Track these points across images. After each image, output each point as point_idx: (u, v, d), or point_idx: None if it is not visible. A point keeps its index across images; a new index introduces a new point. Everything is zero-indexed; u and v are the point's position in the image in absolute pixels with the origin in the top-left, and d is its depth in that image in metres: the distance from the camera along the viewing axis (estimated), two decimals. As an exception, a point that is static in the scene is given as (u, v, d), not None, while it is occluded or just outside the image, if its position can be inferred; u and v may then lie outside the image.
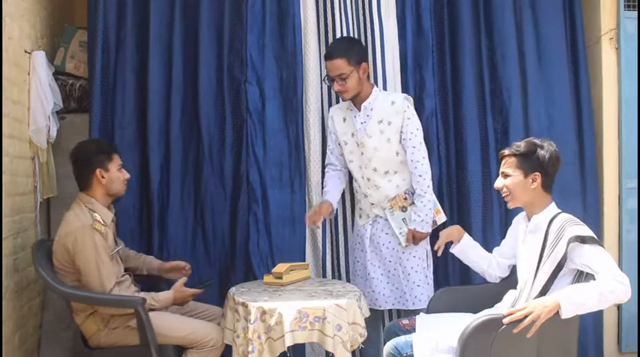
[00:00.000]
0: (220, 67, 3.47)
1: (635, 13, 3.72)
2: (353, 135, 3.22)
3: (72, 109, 3.70)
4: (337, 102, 3.50)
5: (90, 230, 2.70)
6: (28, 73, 3.25)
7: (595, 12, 3.77)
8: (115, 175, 2.86)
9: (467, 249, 2.88)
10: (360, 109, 3.18)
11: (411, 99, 3.27)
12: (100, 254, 2.71)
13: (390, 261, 3.23)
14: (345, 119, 3.26)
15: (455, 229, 2.92)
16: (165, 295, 2.83)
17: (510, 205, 2.62)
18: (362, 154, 3.20)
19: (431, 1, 3.56)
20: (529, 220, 2.60)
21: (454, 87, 3.58)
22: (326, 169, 3.39)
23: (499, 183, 2.63)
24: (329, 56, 3.11)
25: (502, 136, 3.58)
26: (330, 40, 3.50)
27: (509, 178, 2.57)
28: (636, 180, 3.72)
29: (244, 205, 3.43)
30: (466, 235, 2.89)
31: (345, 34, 3.49)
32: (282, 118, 3.50)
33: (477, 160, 3.53)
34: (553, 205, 2.56)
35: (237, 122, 3.46)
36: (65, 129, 3.62)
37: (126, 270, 2.96)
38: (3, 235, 2.86)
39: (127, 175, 2.94)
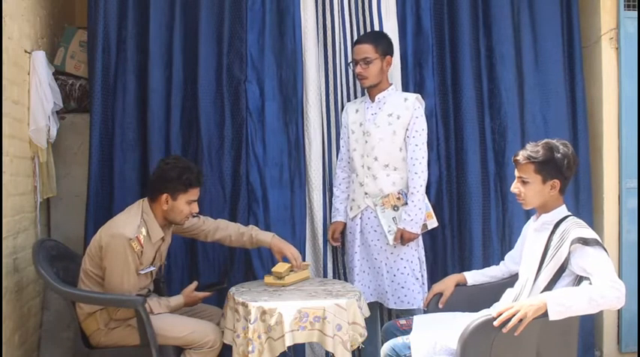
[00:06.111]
0: (220, 66, 3.47)
1: (635, 13, 3.72)
2: (361, 124, 3.29)
3: (72, 109, 3.70)
4: (338, 101, 3.53)
5: (126, 242, 2.69)
6: (28, 73, 3.25)
7: (595, 12, 3.77)
8: (180, 208, 2.83)
9: (475, 282, 2.84)
10: (373, 101, 3.28)
11: (423, 101, 3.31)
12: (128, 268, 2.71)
13: (376, 259, 3.24)
14: (357, 111, 3.36)
15: (445, 284, 2.83)
16: (176, 301, 2.85)
17: (525, 207, 2.58)
18: (366, 142, 3.25)
19: (431, 1, 3.57)
20: (537, 218, 2.59)
21: (453, 86, 3.58)
22: (338, 166, 3.44)
23: (515, 188, 2.55)
24: (358, 41, 3.28)
25: (499, 137, 3.59)
26: (330, 39, 3.52)
27: (528, 185, 2.50)
28: (636, 180, 3.72)
29: (244, 206, 3.43)
30: (467, 274, 2.85)
31: (344, 34, 3.51)
32: (282, 117, 3.50)
33: (475, 159, 3.53)
34: (564, 207, 2.53)
35: (236, 122, 3.46)
36: (65, 129, 3.63)
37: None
38: (3, 235, 2.86)
39: (195, 210, 2.89)
